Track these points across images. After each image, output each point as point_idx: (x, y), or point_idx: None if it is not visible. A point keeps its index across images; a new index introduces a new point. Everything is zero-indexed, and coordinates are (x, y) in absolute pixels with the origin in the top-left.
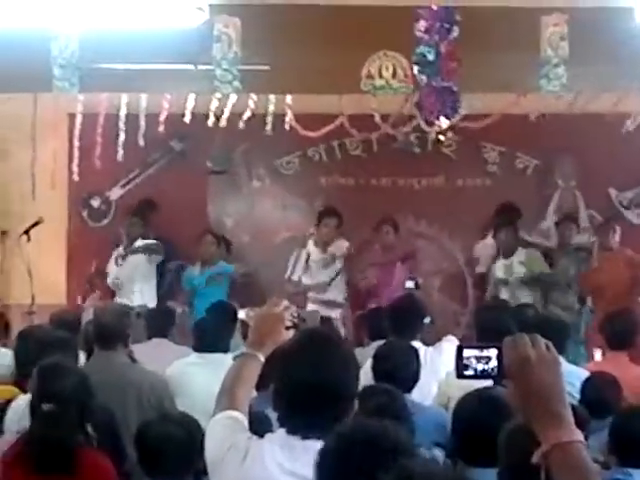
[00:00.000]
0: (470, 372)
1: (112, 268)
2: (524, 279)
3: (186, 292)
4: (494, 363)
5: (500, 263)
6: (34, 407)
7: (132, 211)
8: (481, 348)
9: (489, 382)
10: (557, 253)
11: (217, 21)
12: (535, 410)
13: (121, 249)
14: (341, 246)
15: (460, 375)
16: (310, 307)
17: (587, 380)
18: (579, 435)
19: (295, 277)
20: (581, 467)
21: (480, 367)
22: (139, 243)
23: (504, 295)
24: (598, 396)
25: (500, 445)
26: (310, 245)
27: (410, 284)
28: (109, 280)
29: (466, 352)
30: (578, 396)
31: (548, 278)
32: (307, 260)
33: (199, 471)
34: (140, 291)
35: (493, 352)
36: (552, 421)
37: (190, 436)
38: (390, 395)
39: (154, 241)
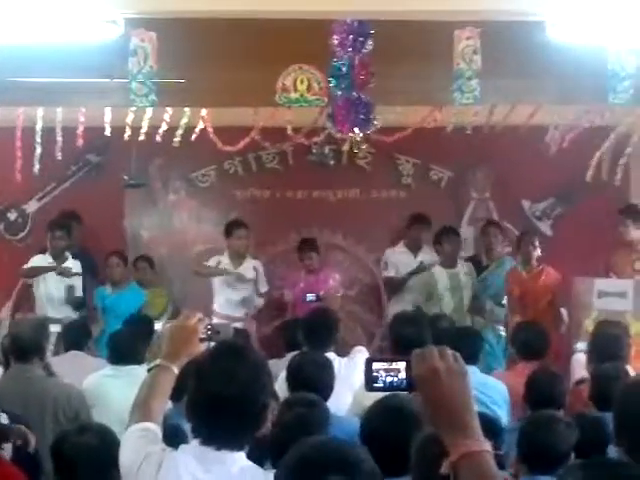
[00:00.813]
0: (380, 384)
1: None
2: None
3: (97, 309)
4: (403, 375)
5: (441, 273)
6: None
7: (55, 224)
8: (390, 361)
9: None
10: (485, 261)
11: (133, 35)
12: (443, 420)
13: (50, 259)
14: (249, 267)
15: (370, 388)
16: (214, 320)
17: (533, 376)
18: (487, 445)
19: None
20: (488, 475)
21: (389, 379)
22: (70, 264)
23: (449, 302)
24: (544, 391)
25: (412, 454)
26: (225, 257)
27: (311, 297)
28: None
29: (375, 365)
30: (491, 405)
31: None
32: (217, 265)
33: None
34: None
35: (402, 365)
36: (460, 431)
37: (106, 447)
38: (311, 405)
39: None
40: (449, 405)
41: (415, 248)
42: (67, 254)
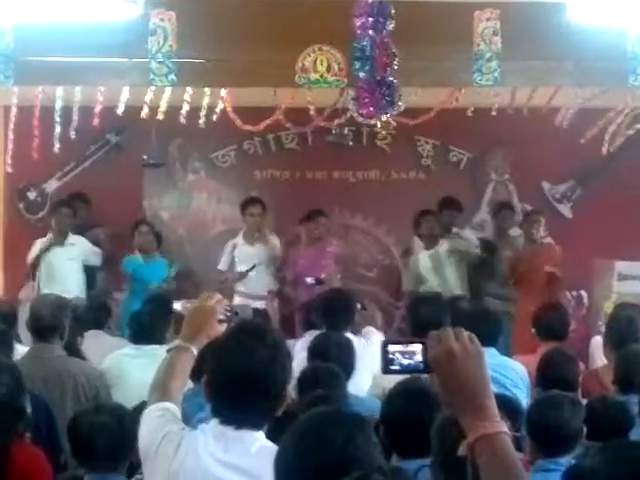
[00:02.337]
0: (396, 367)
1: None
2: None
3: (127, 276)
4: (419, 357)
5: (423, 255)
6: None
7: (60, 202)
8: (406, 343)
9: None
10: (497, 243)
11: (152, 14)
12: (460, 403)
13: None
14: (275, 245)
15: (386, 370)
16: (236, 299)
17: (545, 358)
18: (503, 426)
19: (221, 267)
20: (506, 457)
21: (406, 362)
22: (73, 241)
23: (433, 283)
24: (556, 372)
25: (432, 436)
26: (239, 237)
27: (311, 280)
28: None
29: (391, 347)
30: (511, 387)
31: (472, 258)
32: (232, 251)
33: (135, 462)
34: (76, 282)
35: (418, 347)
36: (477, 413)
37: (123, 426)
38: (330, 384)
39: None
40: (465, 387)
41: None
42: (68, 233)
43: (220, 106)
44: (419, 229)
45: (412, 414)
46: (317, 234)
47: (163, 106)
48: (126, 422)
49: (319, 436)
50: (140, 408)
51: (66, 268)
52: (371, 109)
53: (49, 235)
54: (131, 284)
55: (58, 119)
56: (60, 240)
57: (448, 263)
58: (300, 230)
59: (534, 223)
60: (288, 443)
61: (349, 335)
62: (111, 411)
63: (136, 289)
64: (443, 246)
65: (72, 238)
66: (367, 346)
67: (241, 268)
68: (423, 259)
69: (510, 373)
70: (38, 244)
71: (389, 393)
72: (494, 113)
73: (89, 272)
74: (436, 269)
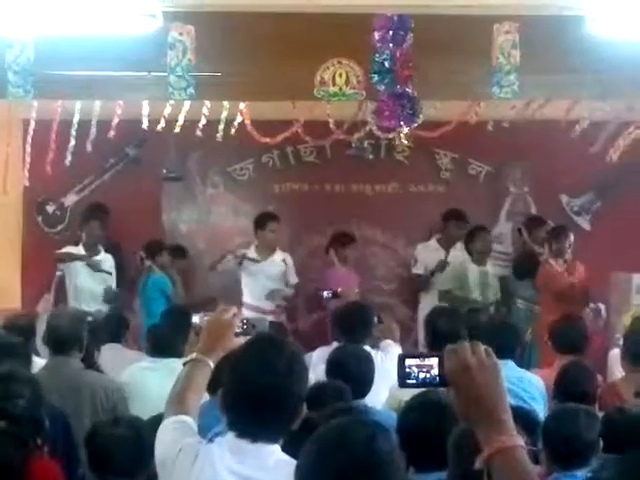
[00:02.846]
0: (412, 381)
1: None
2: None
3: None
4: (436, 371)
5: (474, 268)
6: None
7: (91, 215)
8: (422, 357)
9: None
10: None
11: (171, 28)
12: (476, 416)
13: (82, 251)
14: (278, 260)
15: (403, 384)
16: (244, 313)
17: (563, 371)
18: (520, 440)
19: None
20: (522, 471)
21: (422, 375)
22: (101, 258)
23: (476, 295)
24: (574, 385)
25: (449, 449)
26: (252, 250)
27: (327, 293)
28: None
29: (408, 361)
30: (529, 400)
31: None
32: (241, 258)
33: (151, 475)
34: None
35: (434, 360)
36: (493, 426)
37: (140, 439)
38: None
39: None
40: (482, 400)
41: (448, 245)
42: (100, 247)
43: (239, 119)
44: (473, 244)
45: (428, 427)
46: (350, 260)
47: (181, 119)
48: (143, 434)
49: (341, 441)
50: (156, 420)
51: (94, 284)
52: (392, 122)
53: (80, 249)
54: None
55: (76, 133)
56: (91, 255)
57: (492, 284)
58: (331, 252)
59: (566, 239)
60: (310, 449)
61: (368, 348)
62: (128, 423)
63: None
64: (492, 270)
65: (102, 255)
66: (385, 359)
67: (248, 283)
68: (473, 272)
69: (527, 386)
70: (69, 249)
71: (405, 406)
72: (506, 125)
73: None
74: (483, 286)
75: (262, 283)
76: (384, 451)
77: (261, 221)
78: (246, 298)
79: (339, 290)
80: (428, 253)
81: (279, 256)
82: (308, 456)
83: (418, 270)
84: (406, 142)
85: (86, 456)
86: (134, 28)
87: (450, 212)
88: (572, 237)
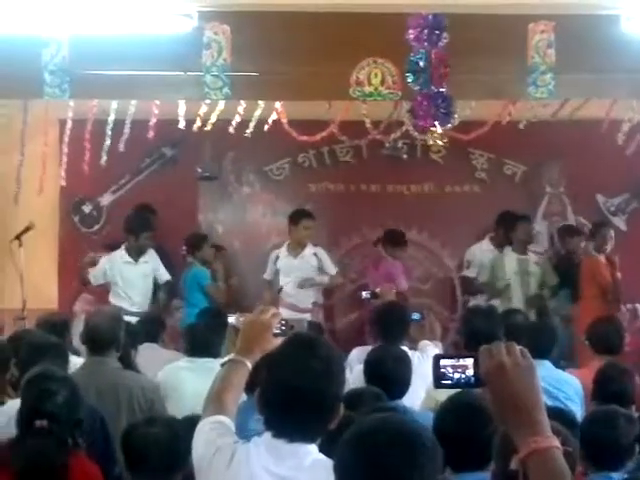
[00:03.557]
0: (447, 381)
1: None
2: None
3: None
4: (471, 372)
5: (511, 257)
6: (25, 419)
7: (143, 226)
8: (457, 357)
9: None
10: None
11: (207, 28)
12: (512, 417)
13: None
14: (309, 255)
15: (438, 385)
16: (281, 310)
17: (601, 372)
18: (555, 441)
19: (267, 277)
20: (557, 473)
21: (457, 376)
22: (147, 259)
23: (515, 283)
24: (612, 386)
25: (493, 450)
26: (283, 247)
27: (366, 294)
28: (100, 276)
29: (443, 362)
30: (565, 400)
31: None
32: (276, 262)
33: (187, 474)
34: (144, 297)
35: (469, 361)
36: (528, 427)
37: (175, 438)
38: (382, 399)
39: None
40: (517, 401)
41: (501, 245)
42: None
43: (274, 118)
44: (515, 233)
45: (464, 428)
46: (402, 260)
47: (218, 119)
48: (178, 434)
49: (380, 428)
50: (192, 419)
51: (140, 284)
52: (426, 122)
53: (123, 252)
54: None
55: (112, 132)
56: (135, 258)
57: (533, 273)
58: (379, 248)
59: (606, 236)
60: (349, 438)
61: (405, 348)
62: (164, 423)
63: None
64: (533, 257)
65: (146, 256)
66: (423, 360)
67: (284, 280)
68: (510, 260)
69: (564, 386)
70: (107, 261)
71: (441, 406)
72: (541, 124)
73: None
74: (522, 274)
75: (296, 280)
76: (423, 439)
77: (295, 217)
78: (283, 295)
79: (378, 290)
80: (484, 254)
81: (309, 250)
82: (347, 445)
83: (471, 273)
84: (440, 142)
85: (122, 455)
86: (170, 28)
87: (515, 216)
88: (612, 232)
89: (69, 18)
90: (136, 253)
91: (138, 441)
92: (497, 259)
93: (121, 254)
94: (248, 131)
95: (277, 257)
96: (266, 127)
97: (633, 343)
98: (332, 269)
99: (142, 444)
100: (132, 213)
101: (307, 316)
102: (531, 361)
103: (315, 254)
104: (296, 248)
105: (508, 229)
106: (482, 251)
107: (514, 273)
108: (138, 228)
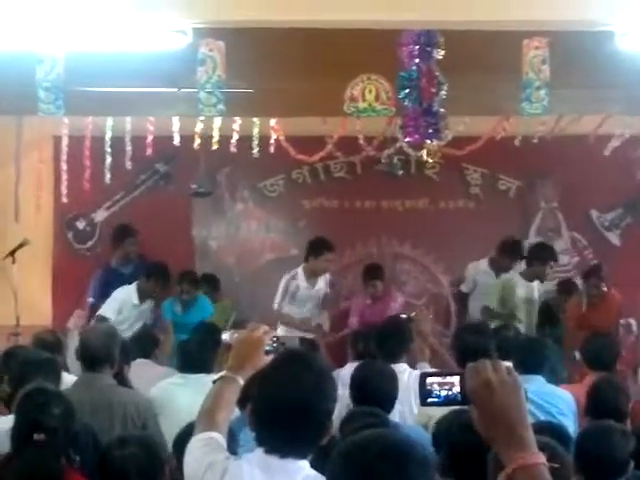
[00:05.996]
0: (434, 399)
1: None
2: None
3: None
4: (457, 389)
5: (523, 282)
6: (22, 433)
7: (124, 232)
8: (444, 375)
9: None
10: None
11: (201, 44)
12: (498, 433)
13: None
14: (322, 281)
15: (424, 402)
16: (280, 329)
17: (594, 387)
18: (541, 457)
19: (277, 306)
20: None
21: (444, 393)
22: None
23: (522, 311)
24: (605, 402)
25: (488, 465)
26: (300, 276)
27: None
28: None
29: (429, 379)
30: (558, 415)
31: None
32: (296, 292)
33: None
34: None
35: (456, 379)
36: (514, 444)
37: (150, 456)
38: (376, 416)
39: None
40: (503, 418)
41: (499, 270)
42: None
43: (273, 136)
44: (532, 267)
45: (464, 443)
46: (375, 295)
47: (212, 136)
48: (153, 451)
49: (371, 441)
50: (183, 433)
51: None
52: (416, 137)
53: (134, 299)
54: (174, 330)
55: (108, 149)
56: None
57: (537, 303)
58: (362, 285)
59: (598, 284)
60: (341, 451)
61: (403, 365)
62: (138, 441)
63: (178, 336)
64: (538, 287)
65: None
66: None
67: (297, 309)
68: (520, 286)
69: (557, 401)
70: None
71: (439, 422)
72: (535, 140)
73: None
74: (528, 302)
75: (309, 309)
76: (416, 450)
77: (317, 248)
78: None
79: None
80: (481, 275)
81: (322, 279)
82: (339, 459)
83: (465, 289)
84: (431, 160)
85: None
86: (164, 44)
87: (511, 247)
88: (604, 278)
89: (64, 35)
90: (143, 298)
91: (113, 462)
92: (507, 283)
93: (127, 294)
94: (254, 150)
95: (297, 287)
96: (262, 146)
97: (627, 358)
98: (326, 324)
99: (119, 466)
100: (114, 227)
101: (305, 334)
102: (517, 378)
103: (326, 284)
104: (311, 277)
105: (513, 259)
106: (477, 270)
107: (522, 301)
108: (121, 234)
